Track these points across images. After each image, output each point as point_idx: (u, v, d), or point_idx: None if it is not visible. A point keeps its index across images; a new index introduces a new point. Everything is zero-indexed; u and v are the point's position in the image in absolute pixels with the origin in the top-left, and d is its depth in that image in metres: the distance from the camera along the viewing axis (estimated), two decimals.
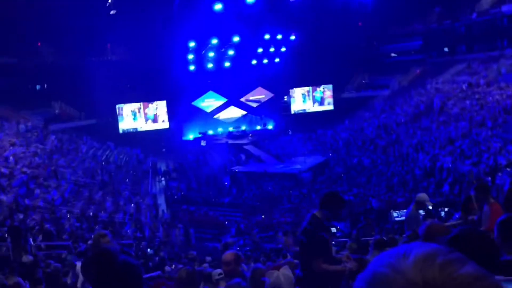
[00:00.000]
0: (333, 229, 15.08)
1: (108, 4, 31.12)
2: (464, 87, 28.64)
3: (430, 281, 0.66)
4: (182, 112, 36.77)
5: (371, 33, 39.82)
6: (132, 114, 36.06)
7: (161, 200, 24.11)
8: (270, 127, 39.66)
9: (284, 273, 3.85)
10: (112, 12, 31.15)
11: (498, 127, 21.68)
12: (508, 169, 17.25)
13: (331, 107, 39.96)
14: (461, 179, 18.87)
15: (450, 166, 20.51)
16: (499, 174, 17.82)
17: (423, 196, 6.68)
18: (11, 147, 20.40)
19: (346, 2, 34.09)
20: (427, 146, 23.97)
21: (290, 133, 37.11)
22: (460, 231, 2.01)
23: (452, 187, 18.62)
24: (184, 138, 37.87)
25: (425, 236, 2.85)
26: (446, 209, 14.38)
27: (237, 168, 28.61)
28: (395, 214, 15.66)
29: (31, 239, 11.47)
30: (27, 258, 9.13)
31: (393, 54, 41.34)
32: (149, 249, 14.89)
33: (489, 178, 17.04)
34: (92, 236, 13.71)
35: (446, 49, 37.17)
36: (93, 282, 1.97)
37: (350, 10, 34.94)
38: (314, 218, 3.92)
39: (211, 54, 36.61)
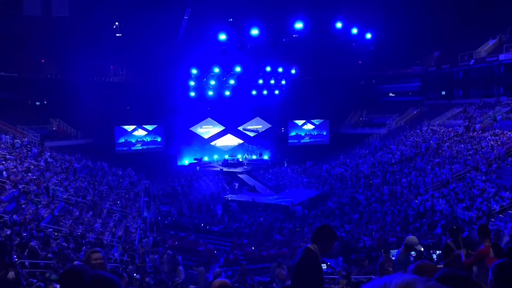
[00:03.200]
0: (324, 265, 14.88)
1: (114, 26, 31.70)
2: (459, 131, 28.97)
3: None
4: (179, 136, 36.89)
5: (370, 72, 40.59)
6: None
7: (151, 224, 23.79)
8: (265, 157, 39.72)
9: None
10: (118, 34, 31.69)
11: (492, 172, 21.81)
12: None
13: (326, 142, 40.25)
14: (453, 222, 18.79)
15: (443, 208, 20.49)
16: (492, 219, 17.82)
17: (412, 239, 6.58)
18: (4, 161, 20.24)
19: (348, 41, 34.83)
20: (421, 187, 24.00)
21: (285, 164, 37.14)
22: (443, 273, 2.01)
23: (444, 230, 18.52)
24: (179, 163, 37.81)
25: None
26: (438, 252, 14.24)
27: (230, 196, 28.43)
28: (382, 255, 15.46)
29: (15, 256, 11.23)
30: (10, 275, 8.91)
31: (391, 94, 41.97)
32: (135, 274, 14.58)
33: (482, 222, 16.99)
34: (80, 255, 13.45)
35: (443, 93, 37.81)
36: None
37: (351, 48, 35.68)
38: (309, 252, 3.85)
39: (212, 82, 37.09)
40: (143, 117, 35.67)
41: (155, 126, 37.47)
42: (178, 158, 37.84)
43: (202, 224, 23.36)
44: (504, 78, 31.70)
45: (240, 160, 37.69)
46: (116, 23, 31.74)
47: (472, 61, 33.29)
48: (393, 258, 7.45)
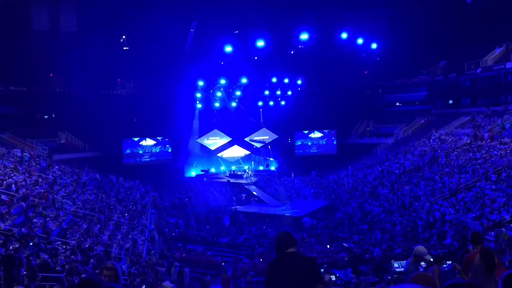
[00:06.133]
0: (332, 277, 14.71)
1: (122, 40, 32.08)
2: (467, 140, 28.75)
3: None
4: (186, 148, 37.00)
5: (377, 81, 40.58)
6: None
7: (158, 236, 23.76)
8: (272, 168, 39.65)
9: None
10: (125, 48, 32.05)
11: (501, 181, 21.56)
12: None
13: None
14: (463, 232, 18.56)
15: (453, 218, 20.26)
16: (503, 229, 17.56)
17: (421, 249, 6.51)
18: (13, 175, 20.40)
19: (354, 51, 34.91)
20: (430, 197, 23.77)
21: (292, 175, 37.05)
22: (450, 282, 2.00)
23: (454, 240, 18.29)
24: (187, 174, 37.88)
25: None
26: (448, 262, 14.05)
27: (237, 208, 28.36)
28: (396, 265, 15.30)
29: (23, 269, 11.25)
30: None
31: (398, 104, 41.86)
32: (143, 286, 14.54)
33: (493, 233, 16.80)
34: (87, 268, 13.44)
35: (450, 102, 37.64)
36: None
37: (358, 58, 35.72)
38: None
39: (219, 94, 37.30)
40: (151, 129, 35.90)
41: (161, 138, 37.70)
42: (185, 169, 37.92)
43: (210, 236, 23.30)
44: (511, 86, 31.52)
45: (247, 171, 37.65)
46: (123, 37, 32.12)
47: (479, 69, 33.18)
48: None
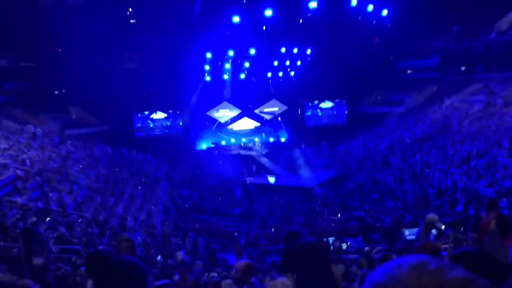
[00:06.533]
0: (344, 245, 14.93)
1: (128, 13, 31.73)
2: (480, 106, 28.33)
3: (424, 285, 0.73)
4: (197, 121, 37.10)
5: (388, 49, 39.77)
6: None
7: (172, 208, 24.20)
8: (283, 139, 39.68)
9: (283, 283, 3.84)
10: (132, 21, 31.73)
11: None
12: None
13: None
14: (475, 199, 18.57)
15: (465, 185, 20.22)
16: None
17: (432, 217, 6.58)
18: (26, 150, 20.73)
19: (364, 18, 34.12)
20: (441, 165, 23.69)
21: (303, 146, 37.08)
22: (457, 251, 2.02)
23: (466, 207, 18.33)
24: (198, 147, 38.15)
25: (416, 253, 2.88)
26: (461, 229, 14.13)
27: (248, 179, 28.61)
28: (406, 232, 15.45)
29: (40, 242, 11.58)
30: (37, 261, 9.22)
31: (409, 71, 41.14)
32: (159, 257, 14.92)
33: (505, 199, 16.76)
34: (103, 240, 13.79)
35: (463, 68, 36.89)
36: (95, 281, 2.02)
37: (367, 25, 34.95)
38: None
39: (227, 66, 37.01)
40: (161, 102, 36.00)
41: (171, 111, 37.83)
42: (196, 142, 38.16)
43: (222, 207, 23.66)
44: None
45: (257, 143, 37.75)
46: (130, 9, 31.75)
47: (493, 34, 32.30)
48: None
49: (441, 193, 20.88)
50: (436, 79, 37.74)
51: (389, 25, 35.19)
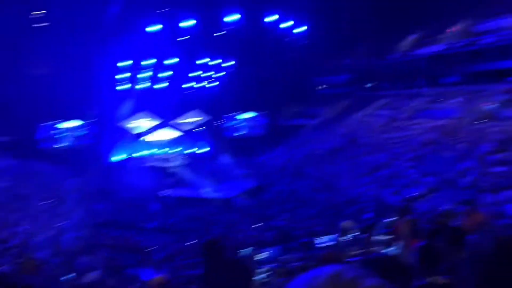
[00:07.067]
0: (262, 255, 15.09)
1: (34, 15, 29.65)
2: (385, 120, 30.61)
3: None
4: (111, 132, 35.50)
5: (304, 64, 41.53)
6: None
7: (83, 223, 22.78)
8: (203, 150, 39.38)
9: None
10: (36, 25, 29.64)
11: (416, 159, 23.32)
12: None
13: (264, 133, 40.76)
14: (382, 207, 19.89)
15: (372, 194, 21.60)
16: (416, 202, 19.06)
17: (347, 223, 6.96)
18: None
19: (282, 34, 35.33)
20: (351, 174, 25.11)
21: (223, 157, 37.14)
22: (369, 257, 2.14)
23: (374, 214, 19.56)
24: (112, 159, 36.45)
25: (321, 263, 3.04)
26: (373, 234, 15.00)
27: (165, 192, 27.94)
28: (320, 240, 16.04)
29: None
30: None
31: (323, 86, 43.32)
32: (68, 276, 13.87)
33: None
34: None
35: (371, 84, 39.67)
36: None
37: (287, 41, 36.24)
38: None
39: (146, 74, 36.03)
40: (72, 111, 33.86)
41: (86, 121, 35.86)
42: (111, 154, 36.45)
43: (138, 221, 22.79)
44: (424, 70, 33.94)
45: (177, 154, 37.05)
46: (36, 12, 29.65)
47: (397, 54, 35.23)
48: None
49: (351, 202, 22.09)
50: (347, 94, 40.12)
51: (305, 42, 36.82)
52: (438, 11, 33.71)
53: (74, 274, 14.11)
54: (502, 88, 25.62)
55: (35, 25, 29.28)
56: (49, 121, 34.26)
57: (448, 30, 31.09)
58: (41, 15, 29.36)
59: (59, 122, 34.82)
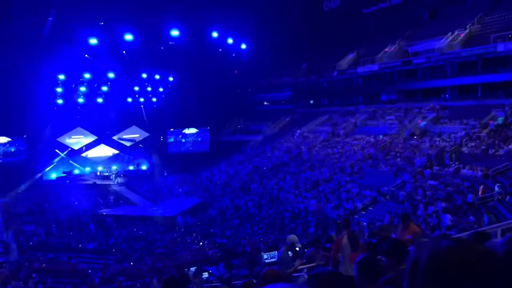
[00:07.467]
0: (205, 274, 14.82)
1: None
2: (326, 136, 31.56)
3: None
4: (45, 148, 33.61)
5: (246, 81, 42.03)
6: None
7: (12, 247, 21.16)
8: (144, 167, 38.33)
9: None
10: None
11: (355, 173, 24.17)
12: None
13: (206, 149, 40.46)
14: (324, 221, 20.36)
15: (315, 208, 22.04)
16: (356, 216, 19.71)
17: (292, 237, 7.02)
18: None
19: (225, 50, 35.51)
20: (295, 189, 25.52)
21: (165, 174, 36.34)
22: (316, 273, 2.14)
23: (316, 229, 19.95)
24: (46, 177, 34.44)
25: (261, 281, 3.07)
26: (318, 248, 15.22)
27: (105, 211, 26.80)
28: (265, 256, 16.06)
29: None
30: None
31: (265, 103, 43.98)
32: None
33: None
34: None
35: (311, 101, 40.85)
36: None
37: (228, 57, 36.44)
38: None
39: (83, 89, 34.63)
40: (2, 126, 31.66)
41: (15, 137, 33.69)
42: (44, 171, 34.44)
43: (74, 242, 21.58)
44: (362, 88, 35.57)
45: (114, 172, 35.65)
46: None
47: (335, 72, 36.65)
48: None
49: (295, 216, 22.40)
50: (289, 110, 41.02)
51: (246, 59, 37.26)
52: (375, 31, 35.72)
53: None
54: (433, 105, 27.46)
55: None
56: None
57: (386, 50, 32.88)
58: None
59: None
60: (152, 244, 21.23)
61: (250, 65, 37.84)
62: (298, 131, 35.10)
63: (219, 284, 12.61)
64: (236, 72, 40.64)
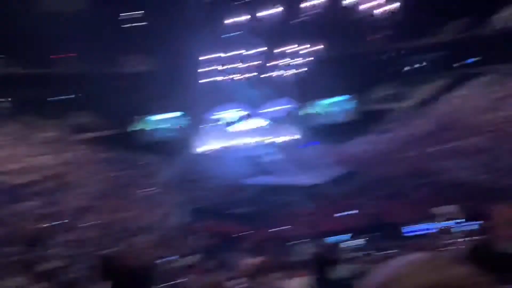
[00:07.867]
0: (353, 242, 14.64)
1: (125, 16, 31.71)
2: (491, 99, 27.85)
3: None
4: (201, 123, 37.01)
5: (395, 43, 39.25)
6: None
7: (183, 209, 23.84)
8: (292, 138, 39.13)
9: None
10: (136, 24, 31.69)
11: None
12: None
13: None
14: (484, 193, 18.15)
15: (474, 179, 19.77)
16: None
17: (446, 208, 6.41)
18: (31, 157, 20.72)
19: (369, 13, 33.69)
20: (451, 159, 23.27)
21: (312, 143, 36.69)
22: None
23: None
24: (202, 149, 37.87)
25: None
26: None
27: (255, 179, 28.40)
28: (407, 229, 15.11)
29: None
30: None
31: (417, 65, 40.52)
32: None
33: None
34: None
35: (470, 61, 36.23)
36: None
37: (373, 21, 34.53)
38: None
39: (234, 65, 36.78)
40: (165, 106, 35.84)
41: (179, 113, 37.83)
42: (200, 144, 37.89)
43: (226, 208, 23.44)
44: None
45: (267, 142, 37.40)
46: (132, 13, 31.75)
47: (496, 26, 31.74)
48: None
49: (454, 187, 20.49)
50: (446, 72, 36.86)
51: (395, 19, 34.57)
52: None
53: (176, 257, 14.93)
54: None
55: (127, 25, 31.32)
56: (147, 115, 36.63)
57: None
58: (133, 16, 31.37)
59: (155, 115, 37.03)
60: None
61: (399, 26, 35.18)
62: (454, 94, 31.65)
63: (364, 253, 12.36)
64: (383, 35, 38.18)
